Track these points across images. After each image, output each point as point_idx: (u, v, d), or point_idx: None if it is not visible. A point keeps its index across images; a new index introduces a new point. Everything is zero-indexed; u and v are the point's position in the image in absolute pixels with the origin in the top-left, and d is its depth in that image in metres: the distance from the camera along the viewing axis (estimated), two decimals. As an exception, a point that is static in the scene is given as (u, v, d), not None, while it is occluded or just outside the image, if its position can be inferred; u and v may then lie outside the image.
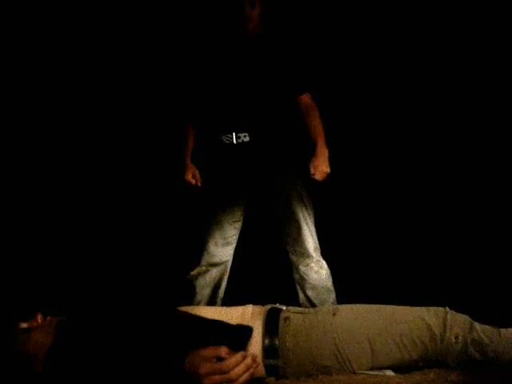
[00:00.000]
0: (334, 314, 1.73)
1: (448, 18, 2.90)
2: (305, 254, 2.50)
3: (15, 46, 2.96)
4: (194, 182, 2.57)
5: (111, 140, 3.14)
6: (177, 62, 2.75)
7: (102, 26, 3.03)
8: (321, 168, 2.44)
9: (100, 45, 3.06)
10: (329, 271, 2.53)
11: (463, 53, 2.91)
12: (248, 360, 1.39)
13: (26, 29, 2.95)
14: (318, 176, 2.44)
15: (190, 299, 2.53)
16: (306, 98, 2.53)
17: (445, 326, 1.63)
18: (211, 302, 2.56)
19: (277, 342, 1.69)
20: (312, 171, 2.44)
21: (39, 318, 1.67)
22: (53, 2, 2.95)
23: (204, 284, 2.55)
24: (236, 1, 2.38)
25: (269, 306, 1.80)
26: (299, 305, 2.49)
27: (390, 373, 1.65)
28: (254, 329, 1.70)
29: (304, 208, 2.50)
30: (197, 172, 2.58)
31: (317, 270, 2.50)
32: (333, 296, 2.52)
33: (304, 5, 2.97)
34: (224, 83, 2.48)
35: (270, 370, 1.68)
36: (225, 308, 1.88)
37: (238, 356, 1.39)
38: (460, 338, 1.61)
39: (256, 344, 1.68)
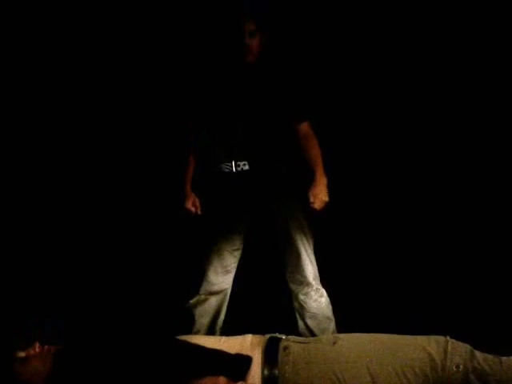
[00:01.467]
0: (334, 343, 1.72)
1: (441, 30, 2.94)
2: (304, 283, 2.49)
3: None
4: (193, 210, 2.57)
5: (111, 167, 3.14)
6: (178, 91, 2.77)
7: (112, 52, 3.08)
8: (320, 196, 2.45)
9: (108, 71, 3.10)
10: (328, 299, 2.52)
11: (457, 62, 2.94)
12: (247, 390, 1.38)
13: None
14: (317, 205, 2.45)
15: (189, 328, 2.51)
16: (304, 127, 2.55)
17: (446, 354, 1.62)
18: (210, 331, 2.54)
19: (276, 372, 1.67)
20: (311, 200, 2.45)
21: (37, 346, 1.66)
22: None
23: (203, 313, 2.53)
24: (236, 30, 2.41)
25: (268, 336, 1.79)
26: (299, 334, 2.47)
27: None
28: (253, 358, 1.69)
29: (304, 236, 2.50)
30: (197, 200, 2.58)
31: (316, 299, 2.49)
32: (332, 324, 2.51)
33: (303, 35, 3.01)
34: (223, 112, 2.50)
35: (270, 400, 1.66)
36: (224, 337, 1.88)
37: (237, 386, 1.38)
38: (461, 366, 1.60)
39: (255, 374, 1.67)
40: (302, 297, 2.50)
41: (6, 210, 2.99)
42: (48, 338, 1.67)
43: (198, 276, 2.55)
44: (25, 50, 3.00)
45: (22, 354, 1.64)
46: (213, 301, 2.54)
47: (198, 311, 2.53)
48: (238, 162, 2.47)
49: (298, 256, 2.48)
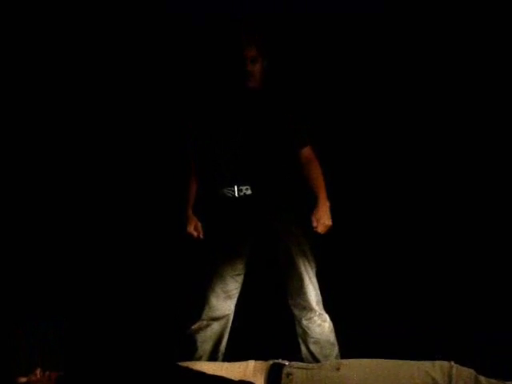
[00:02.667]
0: (337, 369, 1.71)
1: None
2: (307, 308, 2.47)
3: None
4: (195, 234, 2.57)
5: (113, 186, 3.15)
6: (181, 117, 2.79)
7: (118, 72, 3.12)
8: (322, 221, 2.45)
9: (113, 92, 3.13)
10: (331, 324, 2.50)
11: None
12: (250, 417, 1.37)
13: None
14: (320, 229, 2.45)
15: (191, 354, 2.49)
16: (306, 152, 2.56)
17: (450, 380, 1.61)
18: (212, 357, 2.51)
19: (279, 399, 1.66)
20: (314, 224, 2.45)
21: (38, 372, 1.66)
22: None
23: (205, 338, 2.51)
24: (237, 56, 2.44)
25: (271, 362, 1.78)
26: (302, 359, 2.45)
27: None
28: (256, 385, 1.67)
29: (306, 261, 2.49)
30: (199, 224, 2.58)
31: (319, 324, 2.47)
32: (336, 350, 2.49)
33: (305, 60, 3.04)
34: (226, 137, 2.51)
35: (273, 427, 1.65)
36: (226, 363, 1.87)
37: (240, 413, 1.37)
38: (466, 392, 1.59)
39: (258, 400, 1.65)
40: (304, 322, 2.48)
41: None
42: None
43: (200, 301, 2.54)
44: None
45: (23, 380, 1.63)
46: (215, 326, 2.52)
47: (200, 337, 2.51)
48: (241, 187, 2.48)
49: (301, 281, 2.47)
